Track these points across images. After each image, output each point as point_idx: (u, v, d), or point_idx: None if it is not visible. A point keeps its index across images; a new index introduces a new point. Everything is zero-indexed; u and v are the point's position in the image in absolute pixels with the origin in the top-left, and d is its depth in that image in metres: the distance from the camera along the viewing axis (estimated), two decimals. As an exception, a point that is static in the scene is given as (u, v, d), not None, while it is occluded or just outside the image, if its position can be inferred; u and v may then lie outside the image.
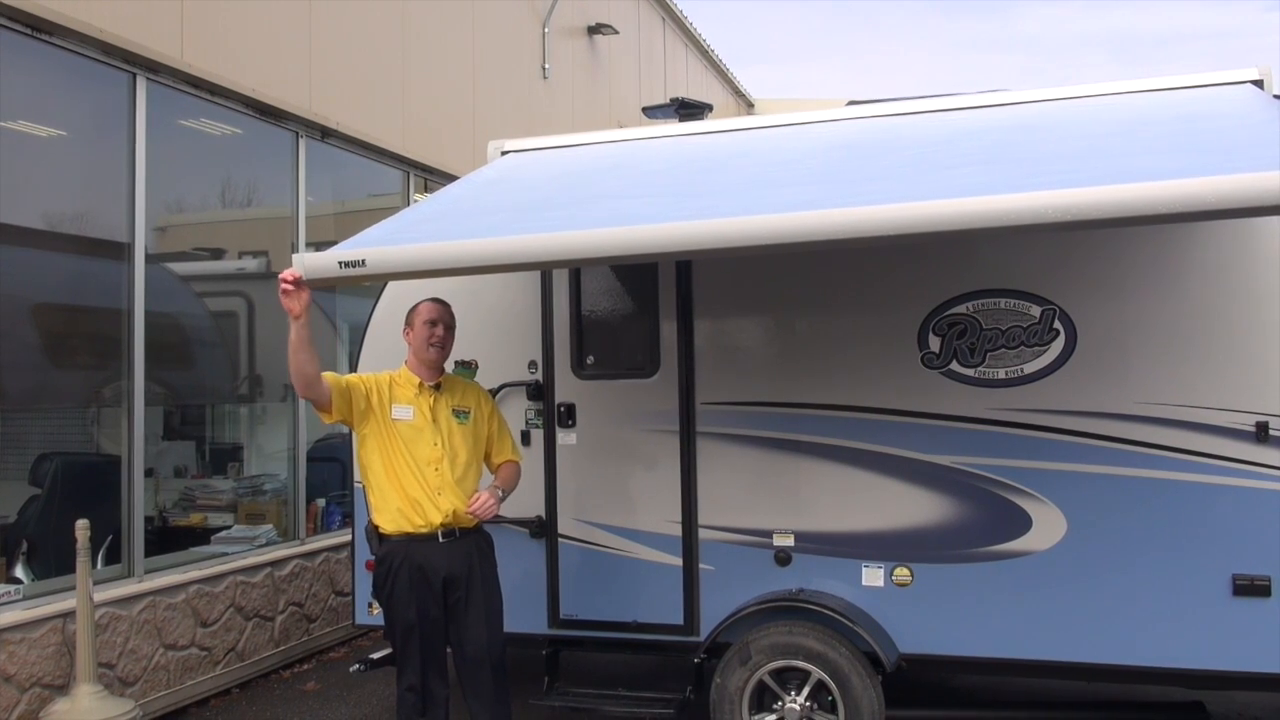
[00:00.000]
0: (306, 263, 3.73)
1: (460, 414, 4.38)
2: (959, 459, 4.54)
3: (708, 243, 3.26)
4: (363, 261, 3.58)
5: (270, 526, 6.97)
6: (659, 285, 4.98)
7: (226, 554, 6.56)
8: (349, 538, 5.60)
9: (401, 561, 4.22)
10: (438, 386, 4.39)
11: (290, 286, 3.90)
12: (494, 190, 4.60)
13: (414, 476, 4.22)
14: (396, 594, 4.24)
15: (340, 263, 3.61)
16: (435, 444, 4.27)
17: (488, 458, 4.51)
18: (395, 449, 4.25)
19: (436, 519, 4.21)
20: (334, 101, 7.61)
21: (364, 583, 5.38)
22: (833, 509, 4.70)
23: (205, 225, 7.46)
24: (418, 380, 4.36)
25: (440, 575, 4.22)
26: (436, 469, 4.25)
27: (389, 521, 4.25)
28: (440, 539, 4.22)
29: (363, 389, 4.29)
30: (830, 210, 3.16)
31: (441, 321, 4.39)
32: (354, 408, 4.27)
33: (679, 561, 4.90)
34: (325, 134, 7.62)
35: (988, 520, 4.50)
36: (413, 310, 4.43)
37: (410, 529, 4.21)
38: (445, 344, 4.40)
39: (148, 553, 5.97)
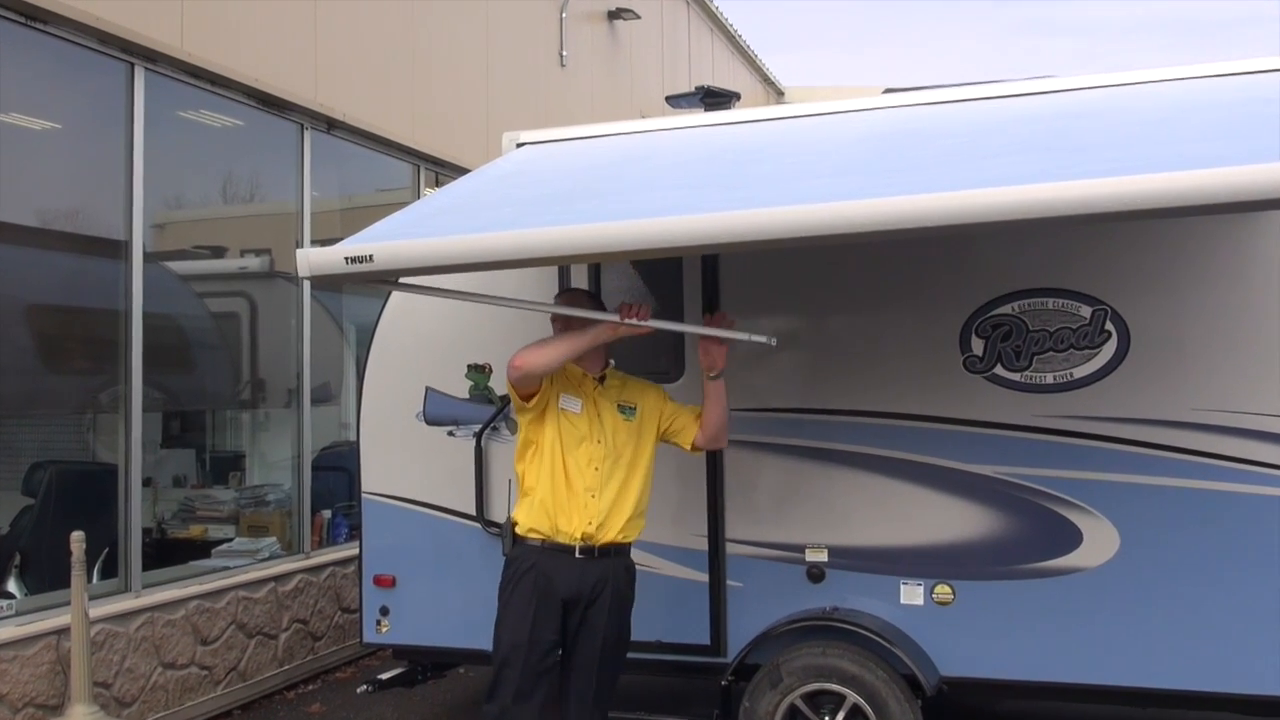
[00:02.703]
0: (311, 259, 3.73)
1: (626, 409, 4.25)
2: (1003, 469, 4.51)
3: (736, 235, 3.25)
4: (370, 257, 3.58)
5: (273, 539, 7.00)
6: (684, 283, 4.97)
7: (228, 568, 6.60)
8: (356, 551, 5.61)
9: (529, 570, 4.07)
10: (602, 379, 4.29)
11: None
12: (509, 183, 4.61)
13: (567, 475, 4.10)
14: (516, 603, 4.07)
15: (346, 258, 3.61)
16: (599, 441, 4.14)
17: (681, 432, 4.31)
18: (552, 441, 4.12)
19: (576, 529, 4.07)
20: (340, 92, 7.65)
21: (372, 598, 5.39)
22: (869, 522, 4.67)
23: (206, 222, 7.50)
24: (581, 371, 4.25)
25: (568, 594, 4.05)
26: (596, 469, 4.11)
27: (527, 519, 4.12)
28: (577, 554, 4.07)
29: (555, 376, 4.17)
30: (865, 201, 3.14)
31: (562, 318, 4.24)
32: (540, 387, 4.13)
33: (705, 578, 4.88)
34: (331, 126, 7.66)
35: (1034, 535, 4.46)
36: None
37: (543, 536, 4.08)
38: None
39: (145, 566, 6.01)
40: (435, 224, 3.97)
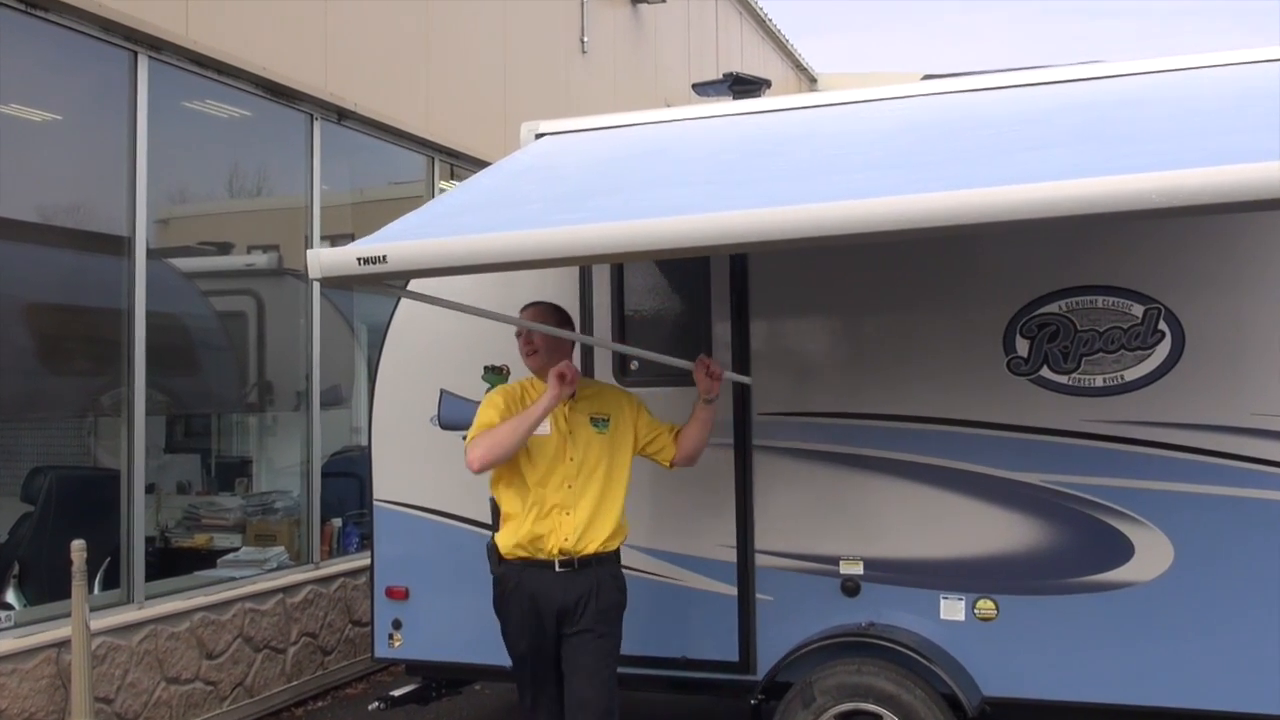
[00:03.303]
0: (322, 260, 3.75)
1: (599, 422, 4.41)
2: (1050, 477, 4.49)
3: (766, 234, 3.24)
4: (384, 258, 3.60)
5: (281, 549, 7.04)
6: (711, 282, 4.97)
7: (234, 579, 6.64)
8: (368, 561, 5.64)
9: (514, 588, 4.33)
10: (573, 394, 4.41)
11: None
12: (528, 178, 4.62)
13: (541, 494, 4.29)
14: (509, 622, 4.37)
15: (360, 259, 3.63)
16: (570, 459, 4.32)
17: (660, 452, 4.52)
18: (526, 464, 4.32)
19: (554, 545, 4.26)
20: (352, 81, 7.69)
21: (384, 611, 5.42)
22: (907, 533, 4.66)
23: (211, 217, 7.56)
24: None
25: (554, 607, 4.27)
26: (570, 486, 4.30)
27: (506, 543, 4.34)
28: (557, 568, 4.26)
29: (511, 405, 4.36)
30: (904, 197, 3.13)
31: (526, 330, 4.45)
32: None
33: (733, 591, 4.88)
34: (342, 116, 7.70)
35: (1083, 547, 4.44)
36: None
37: (525, 555, 4.30)
38: (541, 347, 4.45)
39: (149, 577, 6.06)
40: (452, 223, 3.98)
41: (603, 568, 4.35)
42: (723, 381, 4.48)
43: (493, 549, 4.43)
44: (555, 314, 4.56)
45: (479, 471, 4.27)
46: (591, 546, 4.29)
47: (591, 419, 4.41)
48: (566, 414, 4.38)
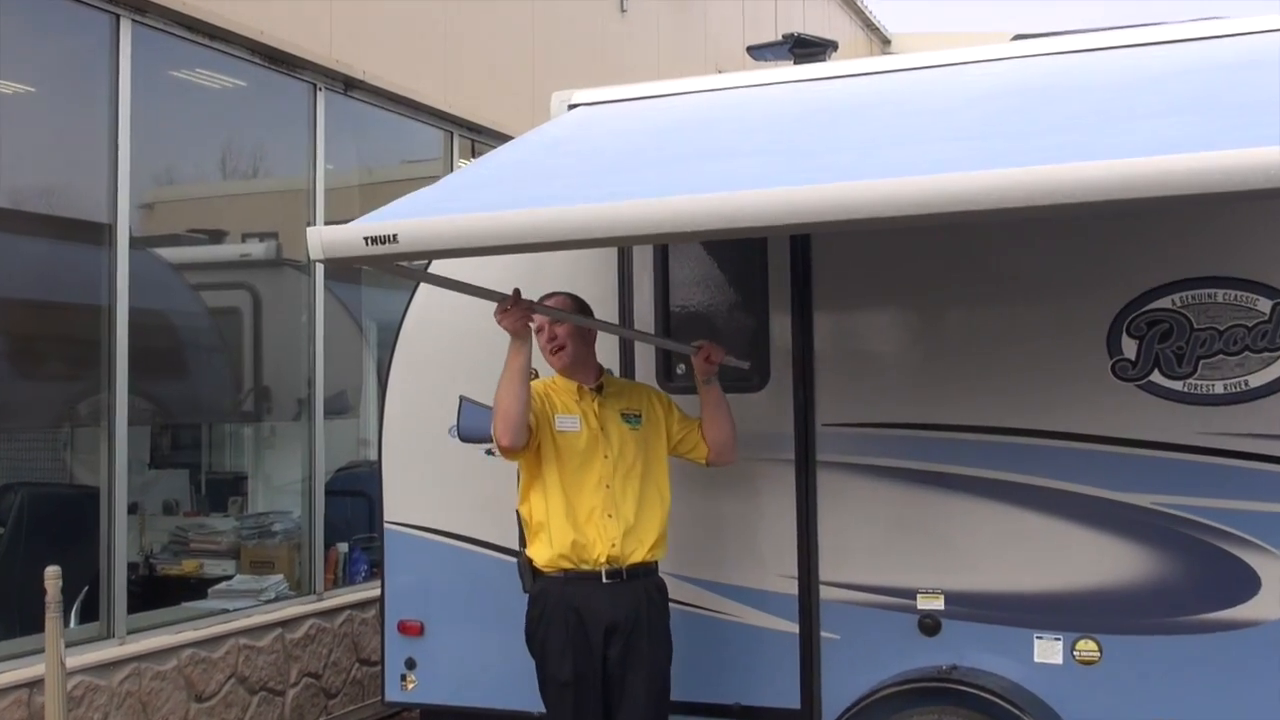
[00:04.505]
0: (324, 239, 3.78)
1: (631, 418, 4.57)
2: (1162, 498, 4.45)
3: (834, 212, 3.23)
4: (394, 237, 3.62)
5: (280, 577, 7.09)
6: (769, 271, 4.96)
7: (227, 611, 6.70)
8: (378, 592, 5.67)
9: (556, 604, 4.40)
10: (600, 389, 4.59)
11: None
12: (559, 151, 4.64)
13: (577, 499, 4.41)
14: (550, 644, 4.40)
15: (367, 239, 3.66)
16: (605, 457, 4.46)
17: (693, 449, 4.67)
18: (555, 466, 4.44)
19: (600, 553, 4.37)
20: (361, 46, 7.74)
21: (396, 649, 5.44)
22: (995, 563, 4.64)
23: (202, 201, 7.64)
24: (575, 384, 4.59)
25: (602, 624, 4.37)
26: (608, 486, 4.43)
27: (543, 555, 4.44)
28: (604, 579, 4.38)
29: (535, 400, 4.46)
30: (992, 172, 3.12)
31: (548, 321, 4.56)
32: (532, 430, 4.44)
33: (795, 628, 4.87)
34: (349, 86, 7.76)
35: (1200, 580, 4.39)
36: None
37: (568, 565, 4.40)
38: (568, 343, 4.57)
39: (131, 608, 6.12)
40: (472, 198, 4.00)
41: (649, 579, 4.50)
42: (721, 364, 4.63)
43: (526, 565, 4.51)
44: (576, 305, 4.66)
45: (511, 445, 4.34)
46: (638, 554, 4.42)
47: (623, 414, 4.56)
48: (596, 410, 4.53)
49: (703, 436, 4.66)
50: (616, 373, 5.12)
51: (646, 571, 4.48)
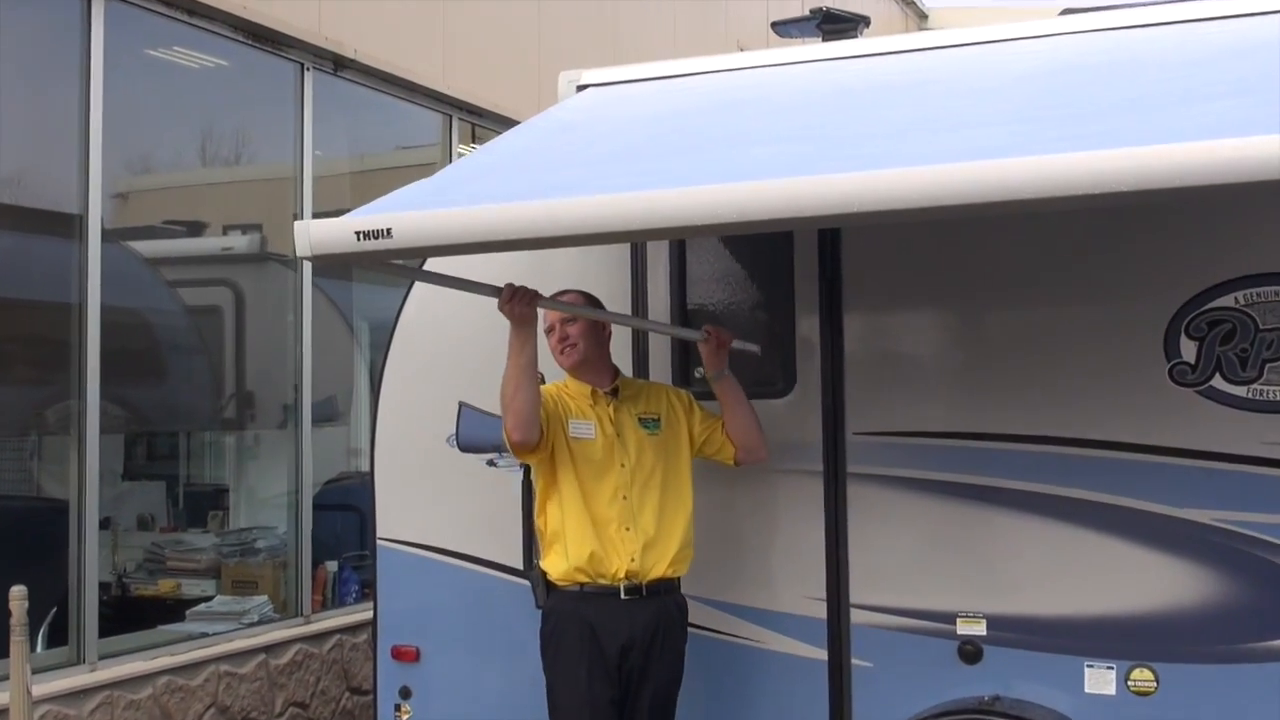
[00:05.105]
0: (313, 234, 3.78)
1: (649, 422, 4.62)
2: (1223, 514, 4.42)
3: (867, 203, 3.21)
4: (388, 231, 3.61)
5: (264, 598, 7.10)
6: (794, 268, 4.95)
7: (206, 635, 6.70)
8: (369, 615, 5.66)
9: (570, 621, 4.46)
10: (615, 392, 4.63)
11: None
12: (566, 137, 4.63)
13: (594, 511, 4.47)
14: (562, 663, 4.47)
15: (359, 234, 3.65)
16: (622, 466, 4.52)
17: (719, 450, 4.71)
18: (570, 475, 4.50)
19: (618, 568, 4.44)
20: (352, 22, 7.75)
21: (390, 677, 5.43)
22: (1042, 584, 4.62)
23: (181, 190, 7.65)
24: (589, 388, 4.63)
25: (618, 642, 4.43)
26: (625, 497, 4.49)
27: (558, 568, 4.49)
28: (622, 595, 4.43)
29: (547, 403, 4.50)
30: (1042, 158, 3.10)
31: (559, 320, 4.60)
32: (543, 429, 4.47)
33: (823, 654, 4.86)
34: (339, 66, 7.76)
35: (1266, 603, 4.37)
36: None
37: (585, 579, 4.45)
38: (581, 341, 4.60)
39: (103, 632, 6.13)
40: (474, 189, 3.99)
41: (669, 597, 4.56)
42: (730, 350, 4.66)
43: (540, 578, 4.57)
44: (588, 303, 4.69)
45: (523, 442, 4.37)
46: (658, 569, 4.47)
47: (640, 419, 4.61)
48: (612, 415, 4.57)
49: (728, 436, 4.69)
50: (628, 374, 5.11)
51: (668, 588, 4.54)
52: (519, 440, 4.35)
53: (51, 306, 6.14)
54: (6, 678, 5.31)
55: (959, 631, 4.69)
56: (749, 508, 4.99)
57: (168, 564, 7.04)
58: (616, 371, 4.73)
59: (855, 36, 5.66)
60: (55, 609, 5.99)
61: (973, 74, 4.55)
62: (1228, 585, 4.42)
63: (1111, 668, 4.52)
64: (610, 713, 4.44)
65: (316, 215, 7.45)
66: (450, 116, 8.89)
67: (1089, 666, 4.54)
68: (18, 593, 5.27)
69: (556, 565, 4.49)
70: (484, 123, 9.06)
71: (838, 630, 4.85)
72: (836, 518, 4.86)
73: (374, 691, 5.56)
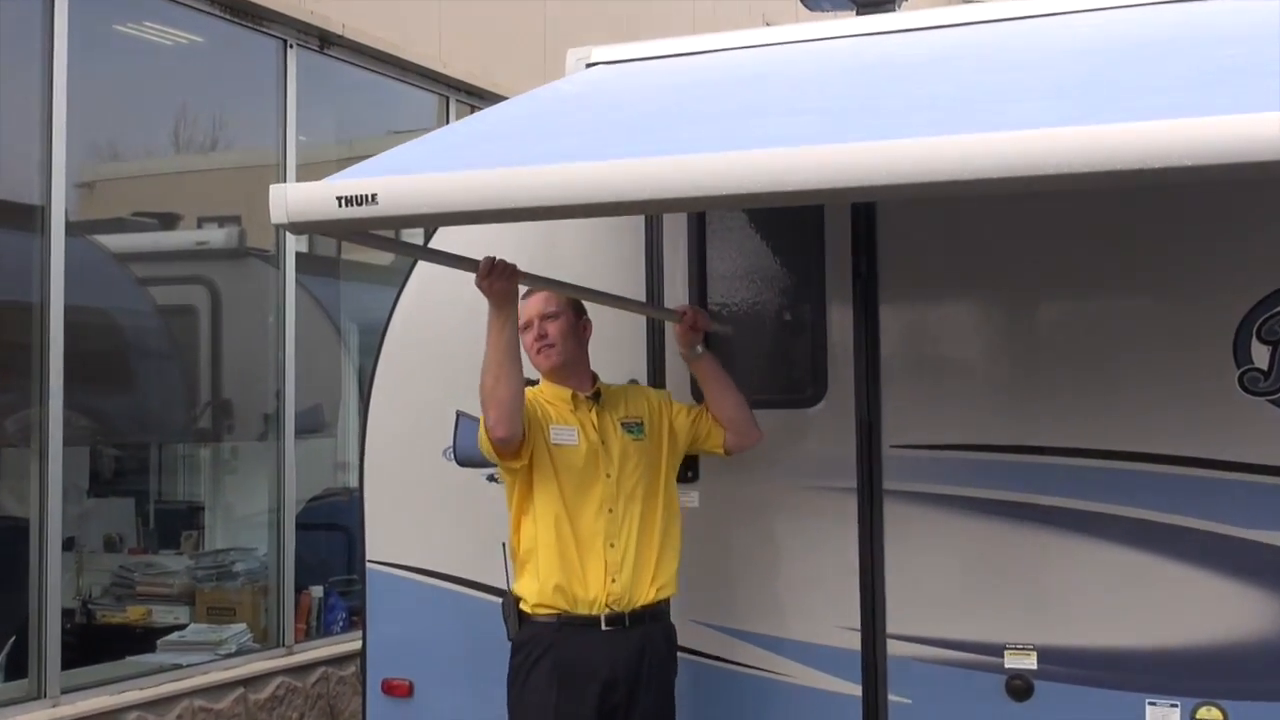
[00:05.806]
0: (290, 199, 3.77)
1: (633, 427, 4.62)
2: (1301, 537, 4.42)
3: (906, 174, 3.17)
4: (373, 197, 3.59)
5: (243, 626, 7.11)
6: (825, 255, 4.94)
7: (179, 666, 6.71)
8: (358, 645, 5.66)
9: (544, 654, 4.40)
10: (597, 395, 4.62)
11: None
12: (573, 105, 4.63)
13: (574, 526, 4.43)
14: (528, 699, 4.42)
15: (341, 199, 3.63)
16: (608, 476, 4.49)
17: (708, 438, 4.73)
18: (551, 486, 4.46)
19: (599, 595, 4.40)
20: (339, -5, 7.76)
21: (379, 712, 5.43)
22: (1098, 613, 4.61)
23: (152, 179, 7.68)
24: (568, 392, 4.60)
25: (598, 680, 4.38)
26: (610, 510, 4.46)
27: (530, 591, 4.45)
28: (604, 625, 4.39)
29: (526, 407, 4.46)
30: (1098, 127, 3.06)
31: (538, 316, 4.56)
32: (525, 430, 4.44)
33: (858, 690, 4.85)
34: (326, 43, 7.78)
35: (1348, 634, 4.36)
36: None
37: (563, 606, 4.41)
38: (560, 341, 4.58)
39: (66, 663, 6.14)
40: (468, 154, 3.99)
41: (656, 625, 4.53)
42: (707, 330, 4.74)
43: (511, 605, 4.52)
44: (571, 304, 4.67)
45: (507, 439, 4.30)
46: (644, 594, 4.46)
47: (623, 424, 4.60)
48: (595, 420, 4.56)
49: (714, 419, 4.70)
50: (643, 380, 5.12)
51: (653, 616, 4.51)
52: (503, 436, 4.28)
53: (9, 306, 6.16)
54: (-41, 713, 5.32)
55: (1007, 665, 4.68)
56: (774, 528, 4.98)
57: (137, 589, 7.05)
58: (596, 376, 4.71)
59: (893, 9, 5.66)
60: (14, 638, 6.01)
61: (1024, 49, 4.54)
62: (1304, 615, 4.42)
63: (1176, 705, 4.50)
64: None
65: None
66: (447, 98, 8.91)
67: (1151, 704, 4.52)
68: (-28, 620, 5.29)
69: (528, 588, 4.46)
70: (484, 104, 9.06)
71: (873, 663, 4.85)
72: (871, 539, 4.85)
73: (362, 729, 5.58)
